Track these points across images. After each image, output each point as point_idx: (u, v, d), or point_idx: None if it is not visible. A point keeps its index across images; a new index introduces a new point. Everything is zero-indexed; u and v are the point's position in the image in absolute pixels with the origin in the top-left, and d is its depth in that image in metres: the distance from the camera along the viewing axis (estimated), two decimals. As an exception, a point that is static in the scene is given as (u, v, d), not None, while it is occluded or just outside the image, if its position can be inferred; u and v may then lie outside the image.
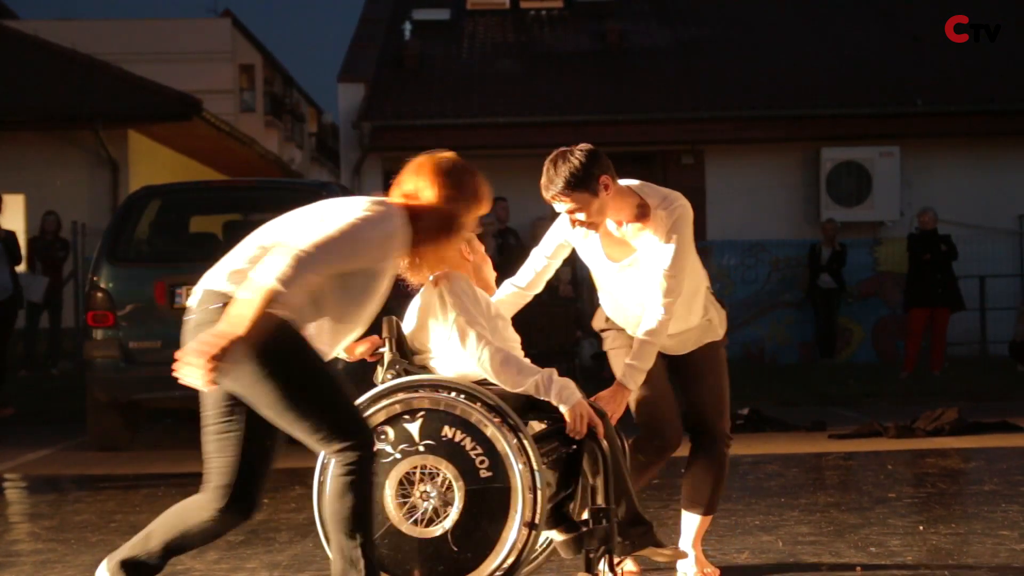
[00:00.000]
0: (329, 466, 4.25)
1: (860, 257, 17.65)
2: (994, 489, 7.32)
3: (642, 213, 4.87)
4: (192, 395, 9.37)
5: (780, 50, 21.13)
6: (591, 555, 4.47)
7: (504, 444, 4.37)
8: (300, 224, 4.15)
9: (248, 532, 6.25)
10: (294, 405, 3.95)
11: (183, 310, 9.57)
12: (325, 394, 4.00)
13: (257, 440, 4.03)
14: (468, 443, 4.40)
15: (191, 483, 7.96)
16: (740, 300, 17.71)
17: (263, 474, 4.07)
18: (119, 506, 7.23)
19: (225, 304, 4.00)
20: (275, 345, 3.93)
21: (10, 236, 13.19)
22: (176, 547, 4.13)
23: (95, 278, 9.65)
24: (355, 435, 3.99)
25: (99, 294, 9.55)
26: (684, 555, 5.01)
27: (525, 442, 4.37)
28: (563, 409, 4.42)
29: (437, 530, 4.36)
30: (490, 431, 4.39)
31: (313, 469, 4.41)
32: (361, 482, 3.97)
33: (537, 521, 4.34)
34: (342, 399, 4.06)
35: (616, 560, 4.51)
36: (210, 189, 12.25)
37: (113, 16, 57.35)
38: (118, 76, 20.26)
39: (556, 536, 4.53)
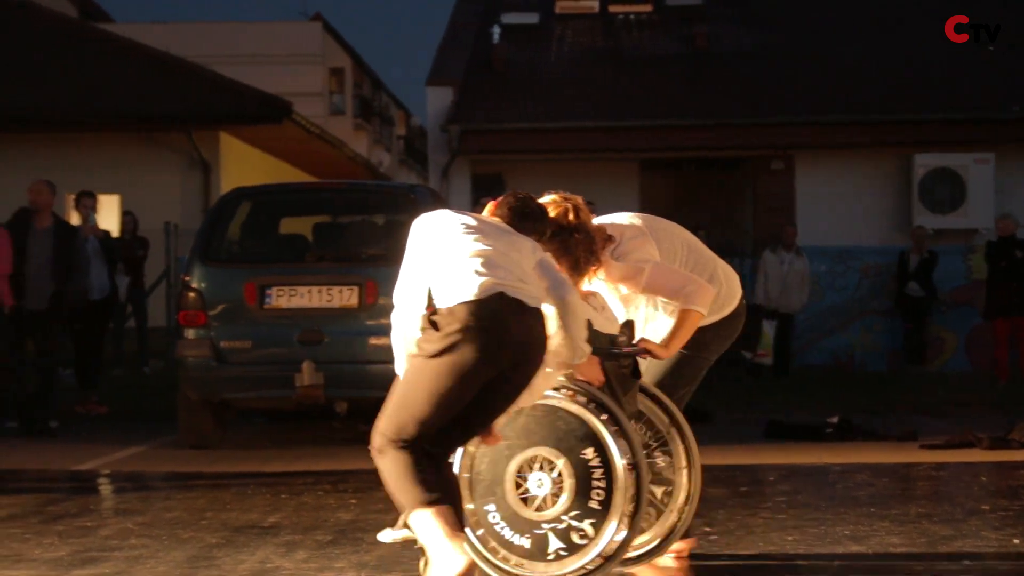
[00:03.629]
0: None
1: (953, 265, 17.35)
2: (1091, 503, 7.17)
3: None
4: (281, 395, 9.39)
5: (873, 54, 20.88)
6: None
7: (607, 438, 4.93)
8: None
9: (336, 532, 6.29)
10: None
11: (273, 310, 9.71)
12: None
13: None
14: (583, 440, 4.96)
15: (280, 482, 8.05)
16: (829, 307, 17.52)
17: None
18: (209, 504, 7.30)
19: None
20: None
21: (107, 236, 13.38)
22: None
23: (187, 278, 9.76)
24: None
25: (191, 294, 9.66)
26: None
27: (630, 437, 4.95)
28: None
29: (549, 514, 4.94)
30: (593, 424, 4.95)
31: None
32: None
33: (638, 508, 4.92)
34: None
35: None
36: (300, 191, 12.36)
37: (206, 19, 58.06)
38: (210, 79, 20.51)
39: None
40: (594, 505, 4.92)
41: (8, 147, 19.05)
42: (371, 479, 8.18)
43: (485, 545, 5.00)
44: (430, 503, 4.59)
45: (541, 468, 4.95)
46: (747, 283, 16.60)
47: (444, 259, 4.71)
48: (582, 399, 5.00)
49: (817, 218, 18.80)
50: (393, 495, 4.72)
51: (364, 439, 10.62)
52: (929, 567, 5.41)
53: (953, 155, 18.59)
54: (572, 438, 4.95)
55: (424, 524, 4.60)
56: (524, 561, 4.96)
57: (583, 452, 4.94)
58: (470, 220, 4.83)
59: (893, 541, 5.98)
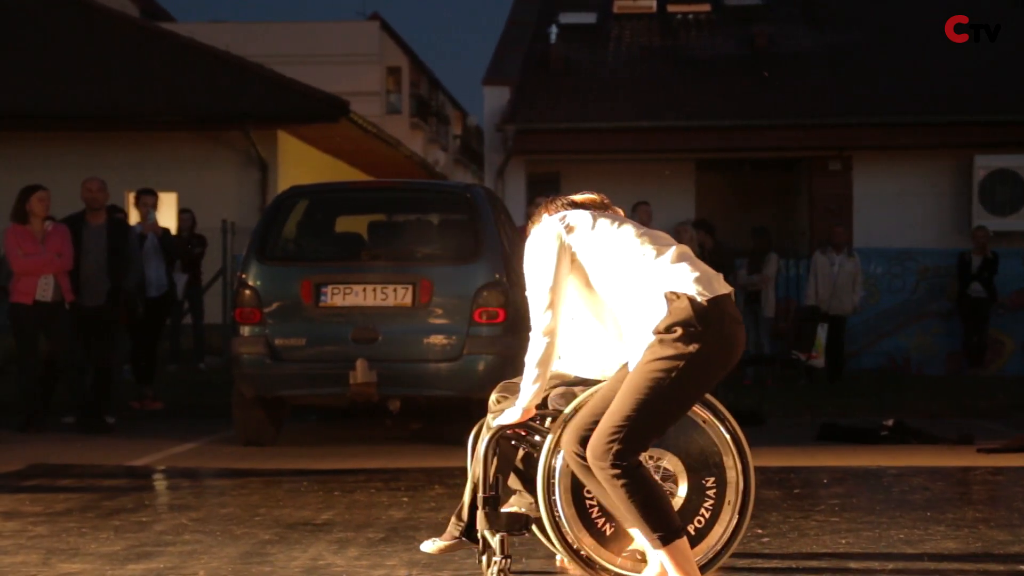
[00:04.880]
0: None
1: (1013, 268, 17.18)
2: None
3: None
4: (334, 393, 9.38)
5: (932, 55, 20.71)
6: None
7: (725, 438, 4.88)
8: None
9: (388, 530, 6.31)
10: None
11: (328, 309, 9.76)
12: None
13: None
14: (694, 438, 4.89)
15: (333, 479, 8.08)
16: (886, 309, 17.37)
17: None
18: (263, 500, 7.35)
19: None
20: None
21: (166, 233, 13.50)
22: None
23: (243, 276, 9.81)
24: None
25: (247, 292, 9.72)
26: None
27: (739, 437, 4.88)
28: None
29: None
30: (706, 425, 4.89)
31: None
32: None
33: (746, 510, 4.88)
34: None
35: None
36: (356, 190, 12.39)
37: (264, 19, 58.41)
38: (268, 78, 20.64)
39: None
40: (690, 530, 4.82)
41: (69, 145, 19.26)
42: (423, 477, 8.21)
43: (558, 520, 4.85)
44: (683, 531, 4.49)
45: (668, 477, 4.84)
46: (800, 284, 16.55)
47: (659, 257, 4.52)
48: (719, 423, 4.91)
49: (874, 219, 18.66)
50: (637, 519, 4.45)
51: (417, 437, 10.68)
52: (984, 572, 5.36)
53: (1014, 156, 18.40)
54: (703, 459, 4.87)
55: (678, 556, 4.42)
56: (592, 542, 4.83)
57: (706, 478, 4.87)
58: (622, 220, 4.70)
59: (948, 546, 5.92)
